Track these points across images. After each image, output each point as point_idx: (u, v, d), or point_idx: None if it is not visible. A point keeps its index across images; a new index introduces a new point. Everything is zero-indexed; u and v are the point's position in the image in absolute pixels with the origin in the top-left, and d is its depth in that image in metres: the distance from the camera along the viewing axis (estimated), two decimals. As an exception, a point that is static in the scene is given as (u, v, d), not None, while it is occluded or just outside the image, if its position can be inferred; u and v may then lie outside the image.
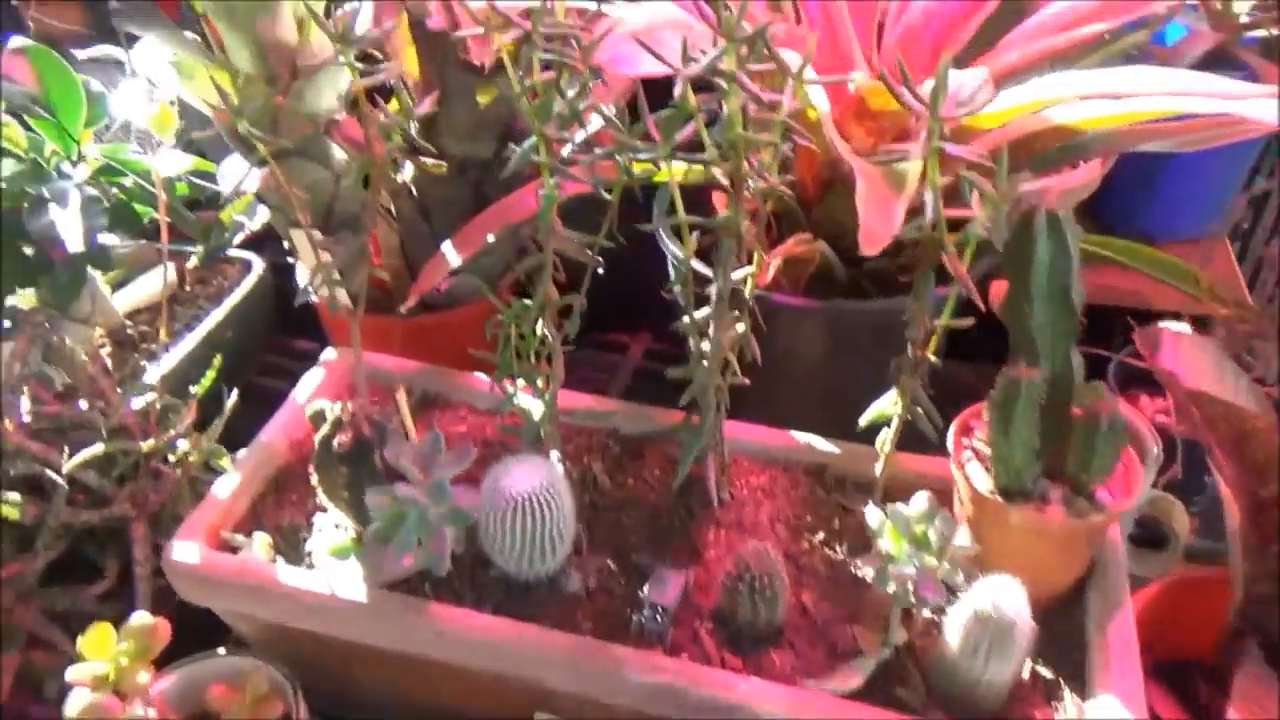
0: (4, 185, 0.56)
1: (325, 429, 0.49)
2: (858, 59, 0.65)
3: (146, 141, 0.70)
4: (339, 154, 0.61)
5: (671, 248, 0.43)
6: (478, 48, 0.58)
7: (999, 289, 0.48)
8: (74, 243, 0.54)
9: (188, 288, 0.76)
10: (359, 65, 0.42)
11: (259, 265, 0.76)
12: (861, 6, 0.68)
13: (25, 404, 0.57)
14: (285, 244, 0.67)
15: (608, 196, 0.43)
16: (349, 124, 0.55)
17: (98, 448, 0.54)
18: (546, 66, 0.41)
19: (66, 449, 0.54)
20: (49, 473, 0.53)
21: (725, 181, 0.40)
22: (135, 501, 0.56)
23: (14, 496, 0.53)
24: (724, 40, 0.36)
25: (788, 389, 0.63)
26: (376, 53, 0.56)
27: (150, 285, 0.74)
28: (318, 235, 0.62)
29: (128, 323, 0.72)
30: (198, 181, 0.67)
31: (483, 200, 0.61)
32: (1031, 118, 0.57)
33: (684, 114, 0.38)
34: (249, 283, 0.74)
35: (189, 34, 0.56)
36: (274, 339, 0.84)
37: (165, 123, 0.67)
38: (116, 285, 0.74)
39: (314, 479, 0.50)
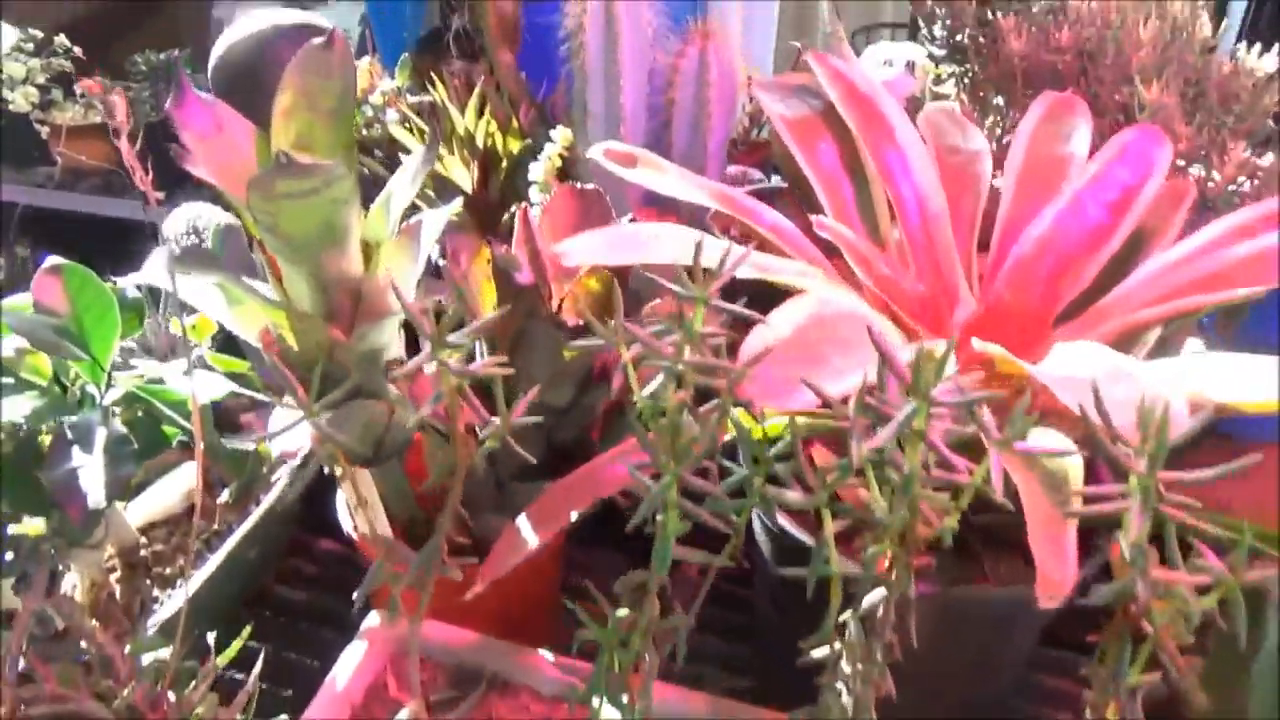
0: (25, 423, 0.49)
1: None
2: (964, 296, 0.60)
3: (176, 346, 0.65)
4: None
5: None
6: (570, 312, 0.52)
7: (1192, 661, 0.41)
8: (96, 498, 0.48)
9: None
10: (451, 364, 0.36)
11: (287, 471, 0.69)
12: (965, 225, 0.63)
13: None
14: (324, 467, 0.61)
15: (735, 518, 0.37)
16: (420, 383, 0.49)
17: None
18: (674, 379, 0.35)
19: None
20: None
21: (886, 533, 0.33)
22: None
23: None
24: (916, 399, 0.30)
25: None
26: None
27: (170, 493, 0.68)
28: (366, 477, 0.55)
29: (143, 540, 0.65)
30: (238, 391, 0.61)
31: (553, 447, 0.55)
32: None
33: (849, 470, 0.32)
34: (275, 491, 0.68)
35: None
36: (294, 537, 0.77)
37: (204, 330, 0.61)
38: (132, 491, 0.67)
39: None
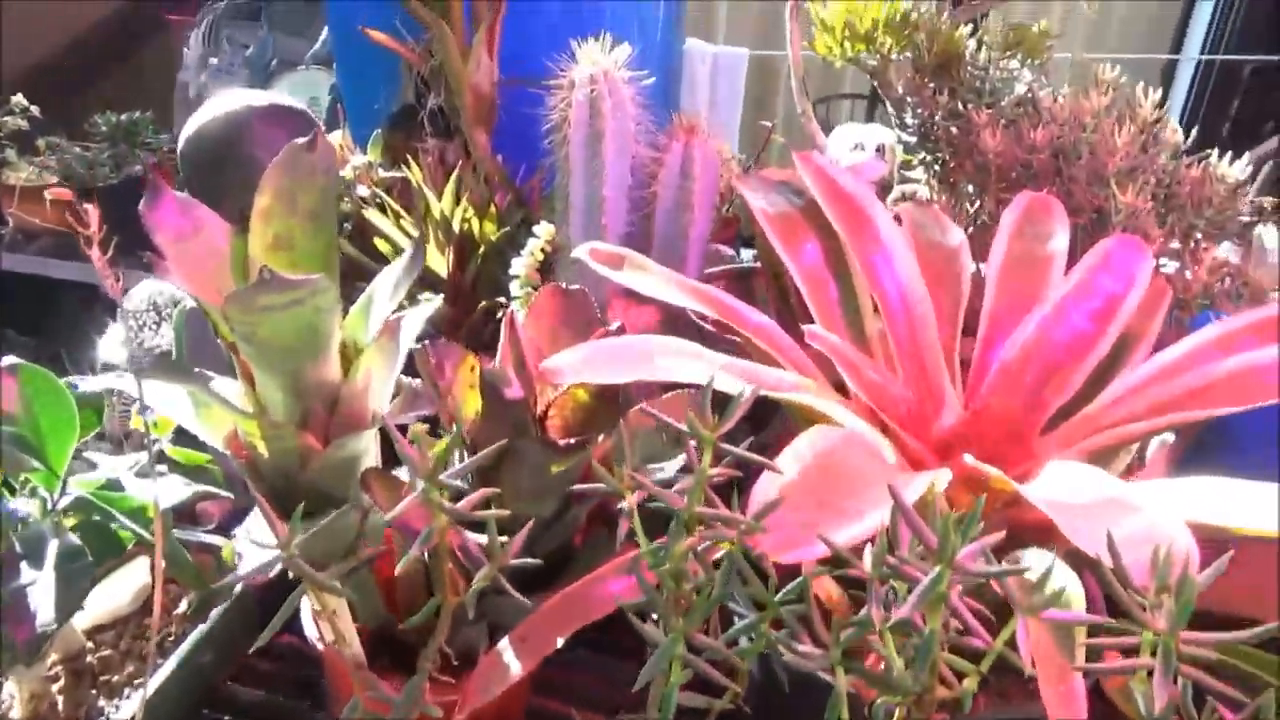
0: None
1: None
2: (950, 401, 0.59)
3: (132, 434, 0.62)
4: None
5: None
6: (557, 423, 0.51)
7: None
8: (46, 619, 0.45)
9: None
10: (443, 504, 0.34)
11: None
12: (948, 322, 0.63)
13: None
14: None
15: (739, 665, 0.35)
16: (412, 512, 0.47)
17: None
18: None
19: None
20: None
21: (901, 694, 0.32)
22: None
23: None
24: (940, 565, 0.28)
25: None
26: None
27: (120, 594, 0.64)
28: (337, 589, 0.53)
29: (89, 645, 0.61)
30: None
31: (535, 557, 0.53)
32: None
33: (867, 626, 0.30)
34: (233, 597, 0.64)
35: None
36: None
37: (165, 427, 0.58)
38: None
39: None
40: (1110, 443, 0.54)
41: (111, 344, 0.83)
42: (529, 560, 0.34)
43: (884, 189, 1.02)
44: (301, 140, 0.50)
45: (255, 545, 0.46)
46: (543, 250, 0.64)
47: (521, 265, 0.63)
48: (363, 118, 1.07)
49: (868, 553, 0.31)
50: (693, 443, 0.34)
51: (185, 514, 0.71)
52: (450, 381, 0.48)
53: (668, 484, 0.41)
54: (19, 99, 1.25)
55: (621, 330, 0.51)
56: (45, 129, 1.27)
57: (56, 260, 1.30)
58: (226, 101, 0.77)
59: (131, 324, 0.81)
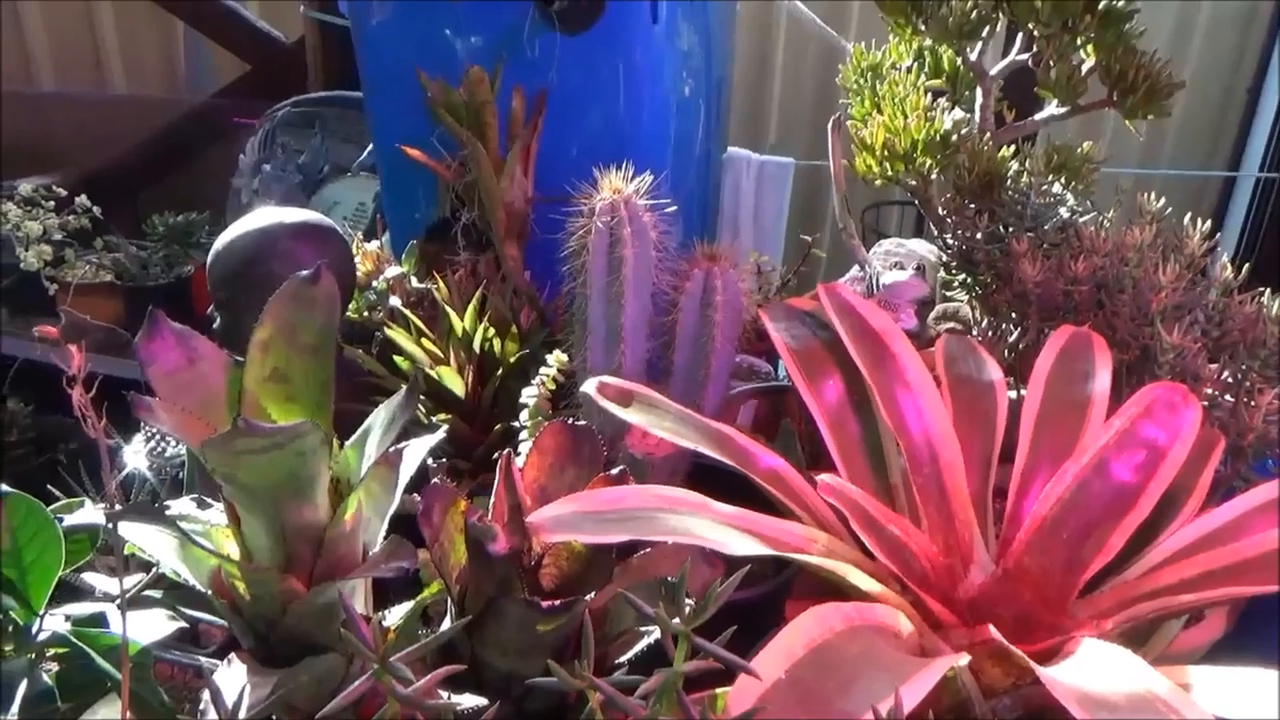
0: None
1: None
2: (980, 557, 0.55)
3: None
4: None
5: None
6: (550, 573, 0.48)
7: None
8: (4, 770, 0.42)
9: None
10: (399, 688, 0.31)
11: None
12: (979, 468, 0.59)
13: None
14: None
15: None
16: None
17: None
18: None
19: None
20: None
21: None
22: None
23: None
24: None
25: None
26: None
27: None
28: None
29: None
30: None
31: (525, 716, 0.49)
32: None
33: None
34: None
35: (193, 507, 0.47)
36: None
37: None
38: None
39: None
40: (1154, 612, 0.49)
41: (135, 452, 0.82)
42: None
43: (924, 305, 0.99)
44: (305, 274, 0.49)
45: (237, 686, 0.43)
46: (554, 380, 0.62)
47: (532, 394, 0.62)
48: (403, 227, 1.08)
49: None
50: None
51: (188, 634, 0.69)
52: (438, 527, 0.46)
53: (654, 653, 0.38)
54: (82, 199, 1.29)
55: (624, 476, 0.48)
56: (105, 229, 1.31)
57: (107, 357, 1.33)
58: (260, 217, 0.78)
59: (154, 431, 0.81)
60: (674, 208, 0.67)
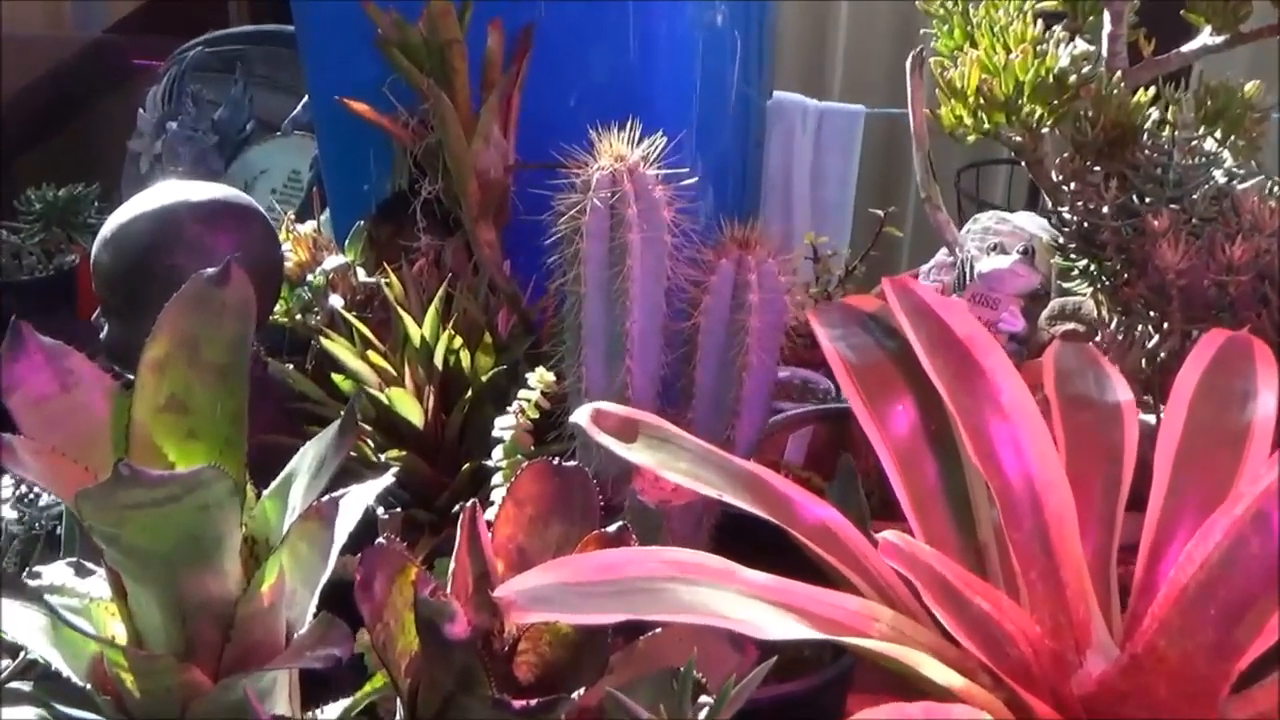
0: None
1: None
2: (1099, 638, 0.55)
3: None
4: None
5: None
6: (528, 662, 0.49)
7: None
8: None
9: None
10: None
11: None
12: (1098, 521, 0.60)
13: None
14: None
15: None
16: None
17: None
18: None
19: None
20: None
21: None
22: None
23: None
24: None
25: None
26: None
27: None
28: None
29: None
30: None
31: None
32: None
33: None
34: None
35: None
36: None
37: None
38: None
39: None
40: (1331, 715, 0.49)
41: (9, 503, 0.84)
42: None
43: (1034, 300, 0.99)
44: (210, 273, 0.51)
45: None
46: (537, 406, 0.63)
47: (509, 425, 0.63)
48: (347, 202, 1.10)
49: None
50: None
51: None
52: (381, 602, 0.47)
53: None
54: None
55: (624, 535, 0.49)
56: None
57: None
58: (160, 194, 0.79)
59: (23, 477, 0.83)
60: (697, 178, 0.68)
